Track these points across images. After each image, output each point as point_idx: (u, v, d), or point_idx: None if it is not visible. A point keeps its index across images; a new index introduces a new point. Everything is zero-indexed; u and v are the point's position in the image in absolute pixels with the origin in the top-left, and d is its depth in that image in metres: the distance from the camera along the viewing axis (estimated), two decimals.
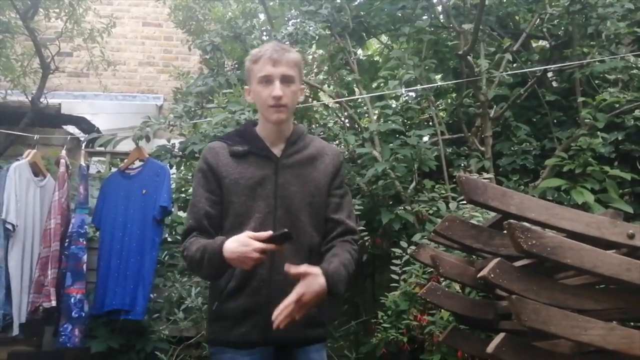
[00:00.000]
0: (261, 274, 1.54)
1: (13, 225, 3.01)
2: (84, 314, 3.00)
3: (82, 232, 3.10)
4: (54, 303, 2.95)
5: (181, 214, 4.08)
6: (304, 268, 1.47)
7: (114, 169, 4.04)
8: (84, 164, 3.33)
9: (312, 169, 1.64)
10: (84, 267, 3.04)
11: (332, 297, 1.52)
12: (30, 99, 3.95)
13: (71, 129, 4.36)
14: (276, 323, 1.44)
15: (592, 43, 4.03)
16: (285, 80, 1.59)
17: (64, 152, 3.29)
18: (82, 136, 4.16)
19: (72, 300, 2.96)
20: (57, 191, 3.15)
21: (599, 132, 3.58)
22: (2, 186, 3.04)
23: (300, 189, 1.60)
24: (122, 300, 3.11)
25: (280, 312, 1.44)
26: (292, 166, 1.63)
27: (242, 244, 1.45)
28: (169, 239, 3.76)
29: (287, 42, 3.70)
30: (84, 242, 3.08)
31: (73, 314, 2.95)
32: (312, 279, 1.46)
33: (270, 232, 1.46)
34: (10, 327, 3.03)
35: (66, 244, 3.07)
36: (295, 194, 1.60)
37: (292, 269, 1.47)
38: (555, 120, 4.06)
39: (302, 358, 1.59)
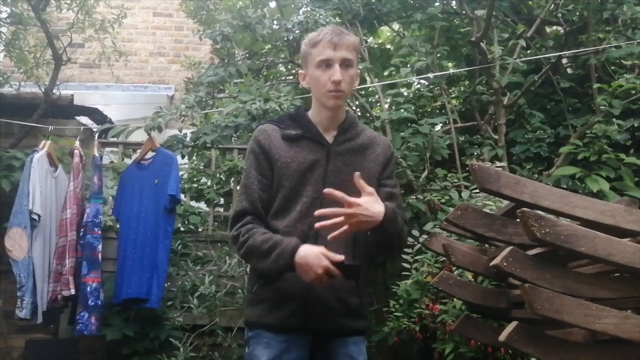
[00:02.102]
0: None
1: (38, 216, 3.06)
2: (100, 302, 3.04)
3: (97, 221, 3.13)
4: (72, 291, 3.00)
5: (193, 203, 4.10)
6: (370, 189, 1.47)
7: (126, 159, 4.07)
8: (97, 155, 3.36)
9: (363, 157, 1.63)
10: (99, 256, 3.08)
11: (379, 232, 1.49)
12: (43, 90, 3.97)
13: (84, 119, 4.38)
14: (319, 225, 1.45)
15: (607, 28, 3.96)
16: (345, 64, 1.56)
17: (77, 143, 3.32)
18: (94, 127, 4.18)
19: (88, 288, 3.01)
20: (72, 181, 3.18)
21: (614, 119, 3.53)
22: (27, 177, 3.08)
23: (349, 177, 1.54)
24: (138, 289, 3.14)
25: (330, 215, 1.44)
26: (344, 153, 1.61)
27: (315, 256, 1.44)
28: (182, 229, 3.78)
29: (297, 31, 3.69)
30: (99, 232, 3.12)
31: (89, 302, 3.00)
32: (374, 199, 1.46)
33: (342, 257, 1.44)
34: (34, 314, 3.08)
35: (81, 234, 3.11)
36: (344, 181, 1.55)
37: (357, 180, 1.45)
38: (570, 108, 4.01)
39: (340, 350, 1.56)
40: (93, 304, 3.00)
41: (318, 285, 1.49)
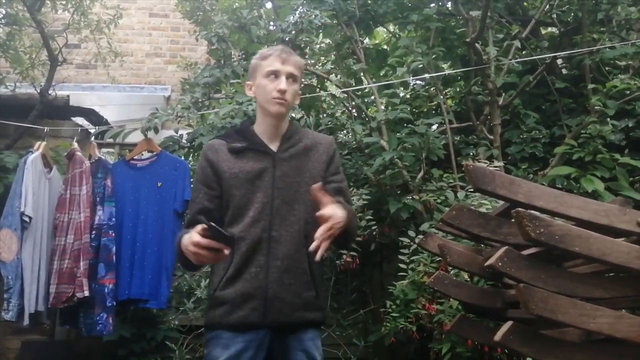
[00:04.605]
0: (259, 260, 1.63)
1: (30, 218, 3.04)
2: (115, 303, 3.05)
3: (112, 224, 3.11)
4: (86, 293, 2.99)
5: None
6: (328, 198, 1.54)
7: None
8: (104, 157, 3.32)
9: (307, 159, 1.74)
10: (114, 258, 3.08)
11: (347, 235, 1.60)
12: (39, 91, 3.96)
13: (80, 120, 4.37)
14: (314, 245, 1.48)
15: (602, 29, 3.98)
16: (290, 78, 1.72)
17: (76, 145, 3.30)
18: (90, 128, 4.17)
19: (106, 290, 3.01)
20: (85, 185, 3.14)
21: (609, 120, 3.55)
22: (20, 178, 3.06)
23: (296, 179, 1.70)
24: (140, 291, 3.12)
25: (320, 236, 1.47)
26: (289, 159, 1.72)
27: (187, 237, 1.50)
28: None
29: (293, 32, 3.69)
30: (113, 234, 3.10)
31: (107, 303, 3.00)
32: (335, 206, 1.53)
33: (202, 225, 1.47)
34: (20, 317, 3.06)
35: (94, 236, 3.09)
36: (291, 184, 1.69)
37: (316, 192, 1.53)
38: (564, 108, 4.02)
39: (296, 346, 1.63)
40: (110, 304, 3.01)
41: (275, 282, 1.60)
